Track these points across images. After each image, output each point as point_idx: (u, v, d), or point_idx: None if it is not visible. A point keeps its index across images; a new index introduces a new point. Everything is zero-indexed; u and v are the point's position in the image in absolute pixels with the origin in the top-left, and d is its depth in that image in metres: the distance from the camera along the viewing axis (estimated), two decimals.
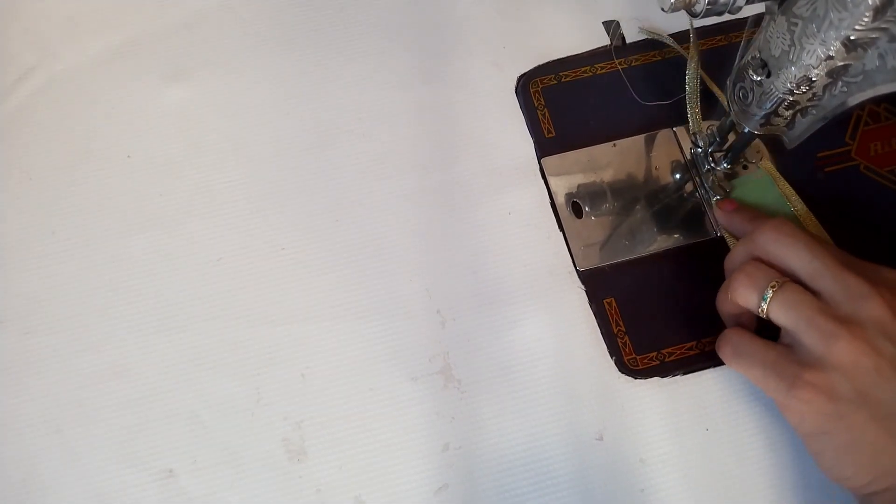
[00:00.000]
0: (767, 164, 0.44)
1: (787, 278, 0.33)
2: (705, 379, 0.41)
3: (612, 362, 0.41)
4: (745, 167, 0.44)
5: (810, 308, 0.31)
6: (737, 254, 0.38)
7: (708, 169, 0.43)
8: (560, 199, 0.44)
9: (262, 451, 0.39)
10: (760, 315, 0.34)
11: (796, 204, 0.42)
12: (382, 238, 0.43)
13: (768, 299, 0.33)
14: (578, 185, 0.45)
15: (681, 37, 0.48)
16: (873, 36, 0.29)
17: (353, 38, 0.48)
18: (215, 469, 0.38)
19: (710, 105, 0.45)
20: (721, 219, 0.42)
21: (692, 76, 0.44)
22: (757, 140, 0.44)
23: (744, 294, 0.34)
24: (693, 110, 0.44)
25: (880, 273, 0.33)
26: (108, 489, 0.38)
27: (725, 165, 0.43)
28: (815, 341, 0.31)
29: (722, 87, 0.45)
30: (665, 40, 0.47)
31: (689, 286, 0.42)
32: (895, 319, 0.30)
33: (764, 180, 0.44)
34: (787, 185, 0.43)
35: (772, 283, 0.33)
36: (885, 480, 0.31)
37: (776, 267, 0.34)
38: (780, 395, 0.32)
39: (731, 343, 0.36)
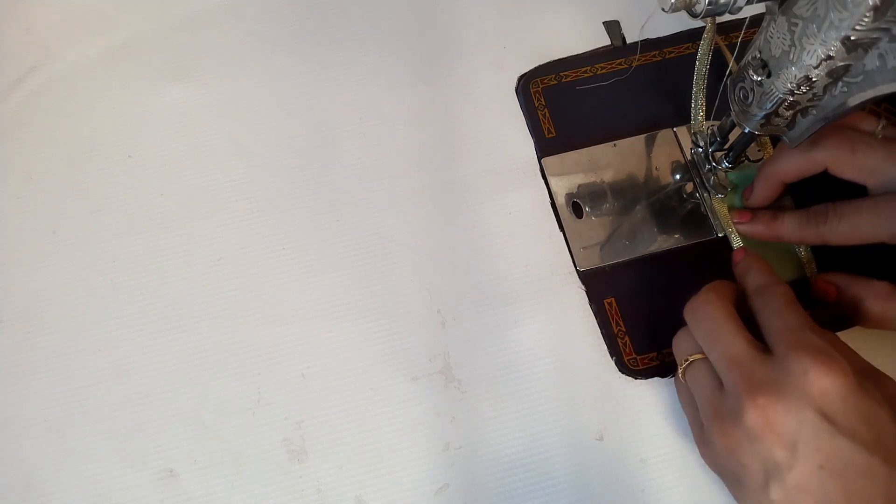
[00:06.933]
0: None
1: (700, 354, 0.36)
2: None
3: (612, 362, 0.41)
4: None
5: (701, 396, 0.35)
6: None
7: (709, 169, 0.43)
8: (560, 200, 0.44)
9: (263, 451, 0.39)
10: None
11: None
12: (383, 238, 0.43)
13: (680, 373, 0.37)
14: (579, 186, 0.45)
15: (679, 37, 0.48)
16: (874, 36, 0.29)
17: (354, 38, 0.48)
18: (215, 469, 0.38)
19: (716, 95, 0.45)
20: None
21: (704, 51, 0.43)
22: None
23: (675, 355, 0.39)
24: (699, 86, 0.43)
25: (784, 363, 0.33)
26: (108, 489, 0.38)
27: (727, 165, 0.43)
28: (705, 424, 0.35)
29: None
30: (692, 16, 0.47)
31: (690, 286, 0.42)
32: (765, 428, 0.32)
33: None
34: None
35: (684, 359, 0.37)
36: None
37: None
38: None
39: (679, 350, 0.38)
